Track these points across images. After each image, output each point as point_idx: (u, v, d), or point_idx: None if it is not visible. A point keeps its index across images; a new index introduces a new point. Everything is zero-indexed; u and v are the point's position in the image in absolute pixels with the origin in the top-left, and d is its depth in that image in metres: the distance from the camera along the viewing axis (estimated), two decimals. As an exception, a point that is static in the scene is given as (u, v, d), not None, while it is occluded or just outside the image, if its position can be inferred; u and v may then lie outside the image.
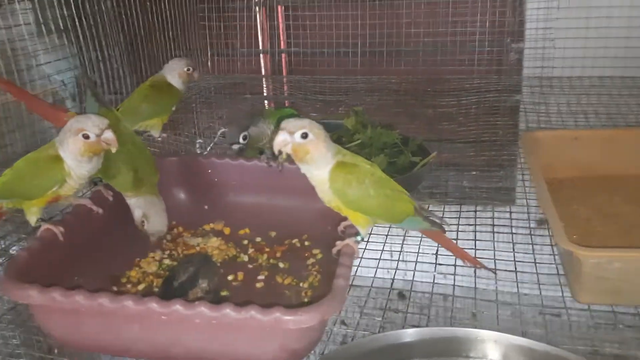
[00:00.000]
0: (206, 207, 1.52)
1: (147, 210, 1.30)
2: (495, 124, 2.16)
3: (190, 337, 0.98)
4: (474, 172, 2.08)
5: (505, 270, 1.36)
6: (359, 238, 1.14)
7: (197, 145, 2.29)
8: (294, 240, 1.41)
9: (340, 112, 2.25)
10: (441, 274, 1.41)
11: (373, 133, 1.80)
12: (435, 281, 1.39)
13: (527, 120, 2.14)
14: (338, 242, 1.14)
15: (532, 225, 1.63)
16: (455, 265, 1.39)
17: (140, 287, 1.24)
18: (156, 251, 1.36)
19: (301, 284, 1.25)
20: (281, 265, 1.33)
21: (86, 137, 1.13)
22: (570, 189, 1.63)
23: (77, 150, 1.14)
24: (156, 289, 1.23)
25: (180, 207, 1.50)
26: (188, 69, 1.80)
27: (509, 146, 2.16)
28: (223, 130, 2.36)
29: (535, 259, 1.40)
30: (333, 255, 1.14)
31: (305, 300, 1.19)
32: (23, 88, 1.71)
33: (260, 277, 1.28)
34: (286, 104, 2.71)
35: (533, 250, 1.46)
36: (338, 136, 1.87)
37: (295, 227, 1.45)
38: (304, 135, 1.08)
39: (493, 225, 1.61)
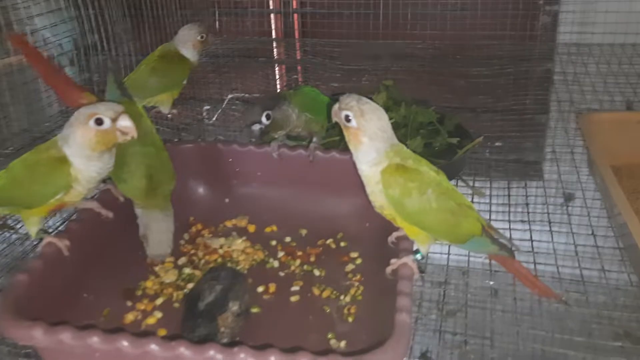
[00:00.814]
0: (227, 200, 1.35)
1: (147, 229, 1.13)
2: (525, 94, 2.00)
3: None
4: (498, 144, 1.94)
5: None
6: (418, 257, 0.98)
7: (204, 113, 2.11)
8: (329, 241, 1.25)
9: (365, 83, 2.06)
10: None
11: (408, 111, 1.61)
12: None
13: (557, 92, 1.96)
14: (393, 260, 0.97)
15: (561, 201, 1.59)
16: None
17: (158, 301, 1.08)
18: (173, 255, 1.20)
19: (342, 297, 1.09)
20: (317, 272, 1.17)
21: (99, 122, 0.94)
22: (630, 177, 1.46)
23: (87, 142, 0.95)
24: (176, 305, 1.08)
25: (198, 201, 1.34)
26: (202, 37, 1.60)
27: (538, 119, 2.01)
28: (231, 96, 2.19)
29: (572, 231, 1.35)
30: (387, 276, 0.97)
31: (350, 320, 1.04)
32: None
33: (294, 288, 1.13)
34: (299, 69, 2.52)
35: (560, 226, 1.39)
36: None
37: (329, 224, 1.29)
38: (347, 119, 0.95)
39: (527, 202, 1.52)
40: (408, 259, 0.96)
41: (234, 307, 0.98)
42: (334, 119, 0.99)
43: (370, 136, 0.94)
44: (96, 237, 1.09)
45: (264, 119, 1.21)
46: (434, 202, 0.93)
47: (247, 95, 2.17)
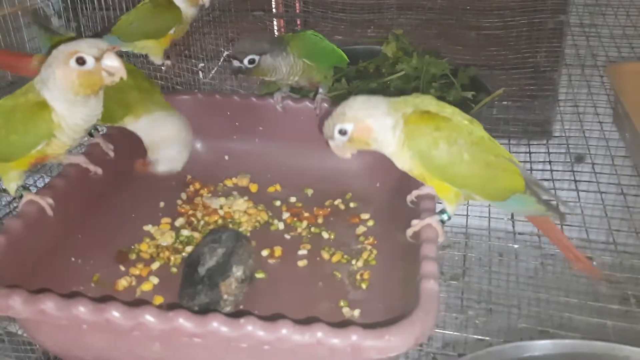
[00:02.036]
0: (226, 157, 1.25)
1: (151, 141, 1.03)
2: (536, 49, 1.89)
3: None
4: (505, 103, 1.83)
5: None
6: (444, 217, 0.87)
7: (200, 72, 1.99)
8: (337, 201, 1.16)
9: (370, 35, 1.94)
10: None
11: (419, 62, 1.51)
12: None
13: (577, 45, 1.85)
14: (415, 222, 0.87)
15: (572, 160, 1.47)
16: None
17: (154, 266, 0.99)
18: (170, 215, 1.10)
19: (353, 262, 1.01)
20: (325, 235, 1.08)
21: (81, 61, 0.83)
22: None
23: (68, 84, 0.84)
24: (174, 270, 0.99)
25: (195, 158, 1.22)
26: None
27: (548, 74, 1.90)
28: (227, 53, 2.06)
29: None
30: (408, 239, 0.88)
31: (363, 286, 0.95)
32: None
33: (302, 251, 1.04)
34: (298, 23, 2.39)
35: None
36: (376, 66, 1.58)
37: (337, 183, 1.19)
38: (343, 132, 0.85)
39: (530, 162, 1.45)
40: (432, 220, 0.86)
41: (237, 272, 0.89)
42: (342, 154, 0.90)
43: (372, 115, 0.84)
44: (84, 195, 0.99)
45: (246, 62, 1.10)
46: (466, 153, 0.82)
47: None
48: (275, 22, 2.40)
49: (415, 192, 0.94)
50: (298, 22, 2.39)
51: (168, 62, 1.57)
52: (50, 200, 0.89)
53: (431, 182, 0.86)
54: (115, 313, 0.68)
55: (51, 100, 0.85)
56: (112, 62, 0.83)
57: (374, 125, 0.83)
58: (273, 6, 2.43)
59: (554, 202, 0.92)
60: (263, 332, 0.67)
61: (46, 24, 1.13)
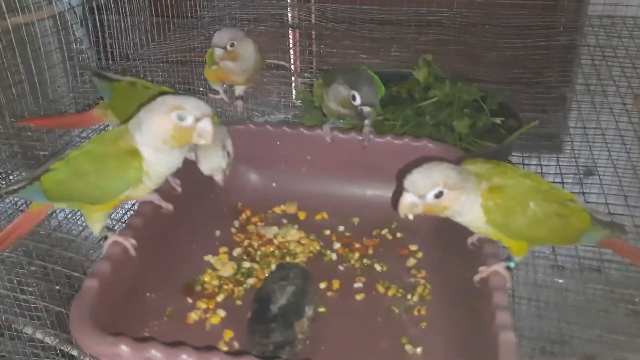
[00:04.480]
0: (274, 184, 1.29)
1: None
2: (550, 66, 1.94)
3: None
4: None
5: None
6: (512, 265, 0.93)
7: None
8: (384, 231, 1.21)
9: (394, 54, 1.98)
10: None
11: (452, 89, 1.55)
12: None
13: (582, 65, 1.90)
14: (482, 268, 0.92)
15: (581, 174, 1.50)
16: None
17: (219, 298, 1.03)
18: (227, 244, 1.14)
19: (409, 297, 1.05)
20: (378, 267, 1.12)
21: (181, 118, 0.87)
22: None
23: (162, 133, 0.87)
24: (238, 302, 1.03)
25: (245, 185, 1.27)
26: None
27: (558, 90, 1.95)
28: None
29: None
30: (475, 284, 0.92)
31: (422, 324, 0.99)
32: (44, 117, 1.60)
33: (357, 284, 1.08)
34: (313, 36, 2.41)
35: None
36: (408, 91, 1.62)
37: (381, 212, 1.23)
38: (439, 195, 0.86)
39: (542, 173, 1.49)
40: (499, 267, 0.90)
41: (309, 312, 0.93)
42: (408, 213, 0.89)
43: (463, 186, 0.87)
44: (156, 232, 1.02)
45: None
46: (539, 213, 0.87)
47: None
48: (290, 33, 2.43)
49: (476, 236, 0.99)
50: (313, 35, 2.42)
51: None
52: (133, 241, 0.93)
53: (507, 243, 0.92)
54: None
55: (141, 144, 0.89)
56: (206, 126, 0.87)
57: (463, 199, 0.87)
58: (289, 17, 2.45)
59: (610, 219, 0.97)
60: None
61: (104, 74, 1.18)
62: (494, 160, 0.93)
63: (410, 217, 0.89)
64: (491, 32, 2.08)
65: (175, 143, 0.88)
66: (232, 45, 1.32)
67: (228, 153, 1.05)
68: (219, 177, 1.04)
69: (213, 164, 1.04)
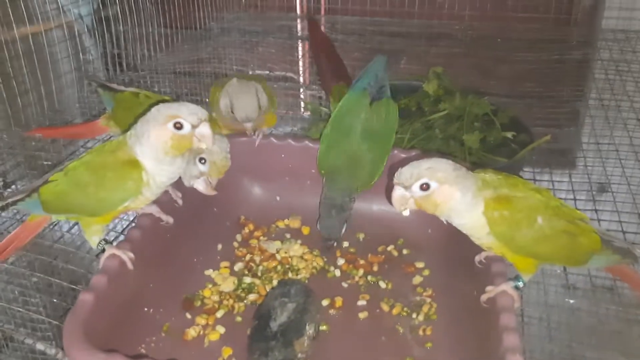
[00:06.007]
0: (278, 198, 1.26)
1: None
2: (562, 80, 1.91)
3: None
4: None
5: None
6: (520, 284, 0.89)
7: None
8: (389, 247, 1.18)
9: (404, 66, 1.96)
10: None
11: (462, 102, 1.52)
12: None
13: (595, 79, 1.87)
14: (489, 288, 0.89)
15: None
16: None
17: (219, 314, 1.01)
18: (228, 259, 1.12)
19: (414, 316, 1.02)
20: (382, 285, 1.09)
21: (179, 127, 0.85)
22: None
23: (161, 144, 0.86)
24: (238, 319, 1.00)
25: (248, 198, 1.25)
26: None
27: (571, 105, 1.92)
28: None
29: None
30: (482, 304, 0.89)
31: (428, 345, 0.96)
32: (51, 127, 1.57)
33: (361, 302, 1.05)
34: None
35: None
36: (417, 104, 1.60)
37: (387, 228, 1.21)
38: (425, 187, 0.83)
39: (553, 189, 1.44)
40: (507, 287, 0.87)
41: (310, 330, 0.90)
42: (402, 207, 0.87)
43: (455, 182, 0.84)
44: (156, 245, 1.00)
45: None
46: (547, 229, 0.84)
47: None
48: (300, 44, 2.41)
49: (484, 254, 0.96)
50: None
51: None
52: (131, 254, 0.91)
53: (512, 259, 0.88)
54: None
55: (141, 156, 0.87)
56: (205, 130, 0.85)
57: (458, 196, 0.84)
58: (299, 28, 2.44)
59: (624, 246, 0.93)
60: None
61: (107, 84, 1.17)
62: (504, 172, 0.91)
63: (405, 213, 0.88)
64: (503, 45, 2.06)
65: (177, 152, 0.87)
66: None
67: (214, 162, 1.02)
68: (201, 187, 1.02)
69: (188, 174, 1.02)
